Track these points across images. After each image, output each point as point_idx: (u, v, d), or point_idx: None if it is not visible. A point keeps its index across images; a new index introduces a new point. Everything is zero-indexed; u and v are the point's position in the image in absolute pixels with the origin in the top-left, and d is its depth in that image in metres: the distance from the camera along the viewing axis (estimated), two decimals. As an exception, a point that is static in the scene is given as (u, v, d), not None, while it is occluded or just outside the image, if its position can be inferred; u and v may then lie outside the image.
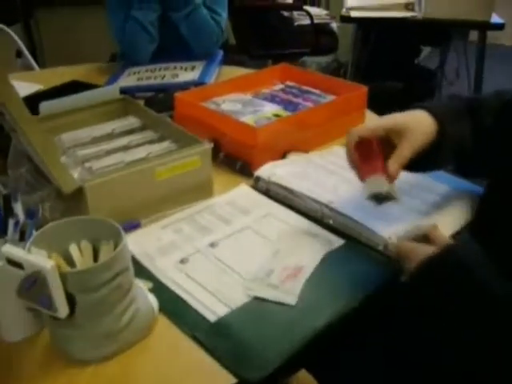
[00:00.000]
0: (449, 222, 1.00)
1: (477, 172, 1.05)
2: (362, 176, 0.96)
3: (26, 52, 2.93)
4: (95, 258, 0.78)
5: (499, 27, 2.86)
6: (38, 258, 0.67)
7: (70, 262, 0.77)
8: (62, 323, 0.72)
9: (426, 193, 1.09)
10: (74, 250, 0.78)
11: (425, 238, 0.91)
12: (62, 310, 0.68)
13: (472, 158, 1.00)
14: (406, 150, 0.93)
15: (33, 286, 0.67)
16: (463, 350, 0.81)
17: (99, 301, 0.71)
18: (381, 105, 1.52)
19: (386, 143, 0.96)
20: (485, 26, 2.91)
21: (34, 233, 0.78)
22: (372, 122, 0.98)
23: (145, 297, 0.81)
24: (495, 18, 2.87)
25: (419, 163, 0.96)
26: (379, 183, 0.93)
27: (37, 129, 1.01)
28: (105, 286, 0.70)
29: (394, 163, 0.92)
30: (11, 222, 0.77)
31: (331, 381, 1.07)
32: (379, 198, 0.95)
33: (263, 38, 3.67)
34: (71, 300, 0.70)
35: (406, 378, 0.97)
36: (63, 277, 0.68)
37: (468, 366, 0.82)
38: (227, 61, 1.93)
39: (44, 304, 0.68)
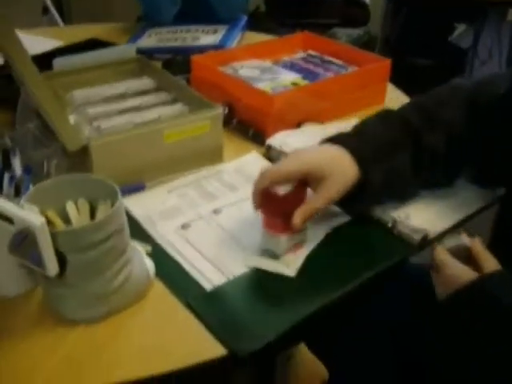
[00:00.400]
0: (461, 207, 0.97)
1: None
2: (262, 225, 0.86)
3: (52, 8, 2.91)
4: (92, 216, 0.76)
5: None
6: (29, 214, 0.65)
7: (67, 219, 0.75)
8: (54, 282, 0.70)
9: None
10: (70, 207, 0.76)
11: (466, 252, 0.84)
12: (52, 268, 0.67)
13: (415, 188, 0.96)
14: (318, 202, 0.85)
15: (23, 242, 0.65)
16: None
17: (91, 261, 0.69)
18: (408, 81, 1.48)
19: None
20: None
21: (31, 188, 0.76)
22: (289, 164, 0.86)
23: (141, 260, 0.79)
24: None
25: (345, 204, 0.91)
26: (276, 243, 0.84)
27: (43, 85, 0.99)
28: (97, 246, 0.69)
29: (299, 216, 0.83)
30: (6, 176, 0.75)
31: (332, 357, 1.05)
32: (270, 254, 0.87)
33: (293, 7, 3.61)
34: (62, 259, 0.68)
35: (412, 355, 0.95)
36: (54, 235, 0.66)
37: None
38: (256, 28, 1.88)
39: (34, 261, 0.67)
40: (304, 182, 0.87)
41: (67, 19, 3.69)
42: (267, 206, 0.85)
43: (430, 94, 0.99)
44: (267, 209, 0.85)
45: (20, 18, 3.33)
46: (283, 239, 0.84)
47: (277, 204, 0.85)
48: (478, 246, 0.83)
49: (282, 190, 0.85)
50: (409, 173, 0.91)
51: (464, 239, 0.85)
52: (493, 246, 0.87)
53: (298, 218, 0.83)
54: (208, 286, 0.80)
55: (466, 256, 0.83)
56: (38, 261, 0.66)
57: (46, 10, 3.17)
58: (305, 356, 1.06)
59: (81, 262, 0.69)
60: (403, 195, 0.95)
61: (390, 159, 0.89)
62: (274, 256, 0.85)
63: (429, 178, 0.95)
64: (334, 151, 0.88)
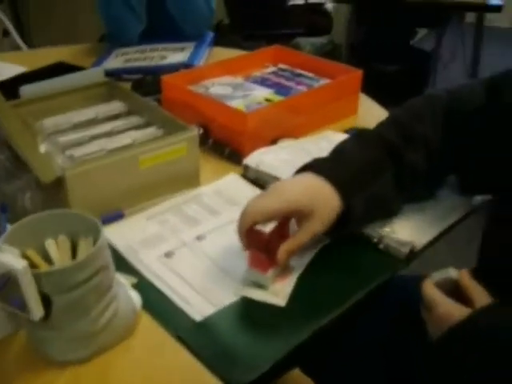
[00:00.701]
0: (442, 219, 0.96)
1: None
2: (248, 262, 0.84)
3: (13, 31, 2.86)
4: (74, 253, 0.74)
5: (496, 9, 2.81)
6: (9, 258, 0.62)
7: (48, 257, 0.72)
8: (38, 325, 0.67)
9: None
10: (51, 245, 0.73)
11: (454, 285, 0.81)
12: (36, 311, 0.64)
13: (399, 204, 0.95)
14: (303, 238, 0.84)
15: (4, 286, 0.63)
16: None
17: (76, 301, 0.66)
18: (375, 87, 1.48)
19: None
20: (482, 8, 2.87)
21: (8, 227, 0.74)
22: (271, 204, 0.84)
23: (127, 294, 0.77)
24: (492, 0, 2.82)
25: (329, 232, 0.88)
26: (261, 279, 0.83)
27: (12, 115, 0.96)
28: (81, 285, 0.66)
29: (284, 252, 0.82)
30: (-19, 217, 0.72)
31: (327, 380, 1.03)
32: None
33: (257, 18, 3.61)
34: (47, 301, 0.65)
35: (402, 369, 0.94)
36: (37, 277, 0.63)
37: None
38: (221, 41, 1.87)
39: (17, 305, 0.64)
40: (286, 219, 0.86)
41: (28, 41, 3.63)
42: (252, 244, 0.84)
43: (405, 106, 0.97)
44: (252, 246, 0.84)
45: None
46: (269, 275, 0.82)
47: (261, 241, 0.83)
48: (466, 278, 0.80)
49: (266, 227, 0.83)
50: (391, 193, 0.90)
51: (451, 272, 0.82)
52: (481, 264, 0.87)
53: (283, 254, 0.82)
54: (197, 317, 0.78)
55: (453, 289, 0.80)
56: (22, 305, 0.63)
57: (6, 33, 3.12)
58: (297, 380, 1.04)
59: (66, 302, 0.66)
60: (387, 215, 0.94)
61: (371, 183, 0.88)
62: (261, 287, 0.83)
63: (411, 194, 0.95)
64: (314, 183, 0.86)
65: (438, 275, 0.82)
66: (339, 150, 0.92)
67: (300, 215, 0.85)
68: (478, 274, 0.80)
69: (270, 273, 0.83)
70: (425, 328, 0.80)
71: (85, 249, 0.72)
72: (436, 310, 0.77)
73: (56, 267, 0.70)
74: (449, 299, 0.77)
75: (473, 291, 0.78)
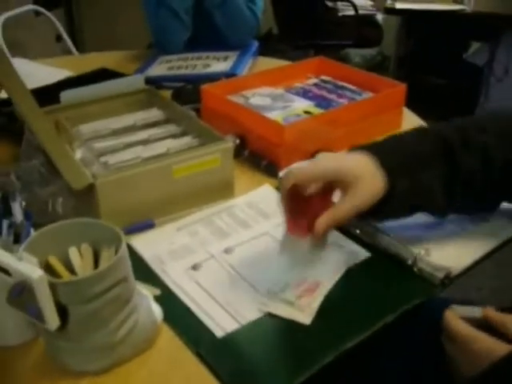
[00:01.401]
0: (484, 240, 0.92)
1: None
2: (286, 228, 0.83)
3: (66, 36, 2.91)
4: (96, 262, 0.73)
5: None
6: (26, 266, 0.61)
7: (70, 265, 0.72)
8: (55, 334, 0.66)
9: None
10: (73, 253, 0.72)
11: (483, 323, 0.76)
12: (52, 321, 0.63)
13: (447, 210, 0.88)
14: (345, 210, 0.79)
15: (21, 294, 0.62)
16: None
17: (93, 313, 0.65)
18: (422, 101, 1.44)
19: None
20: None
21: (32, 234, 0.73)
22: (317, 166, 0.82)
23: (148, 306, 0.75)
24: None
25: (366, 215, 0.83)
26: (298, 246, 0.81)
27: (45, 122, 0.96)
28: (100, 296, 0.65)
29: (322, 222, 0.78)
30: (5, 223, 0.72)
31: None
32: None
33: (306, 28, 3.60)
34: (63, 311, 0.64)
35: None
36: (53, 287, 0.62)
37: None
38: (268, 50, 1.86)
39: (33, 314, 0.63)
40: (330, 188, 0.83)
41: (80, 46, 3.70)
42: (292, 206, 0.81)
43: (468, 118, 0.92)
44: (292, 209, 0.82)
45: (34, 45, 3.35)
46: (304, 244, 0.80)
47: (302, 204, 0.81)
48: (494, 313, 0.75)
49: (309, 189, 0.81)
50: (438, 189, 0.84)
51: (476, 313, 0.77)
52: None
53: (322, 223, 0.79)
54: (219, 333, 0.76)
55: (477, 326, 0.76)
56: (37, 314, 0.62)
57: (59, 38, 3.19)
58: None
59: (83, 313, 0.65)
60: (431, 208, 0.88)
61: (419, 172, 0.83)
62: (297, 257, 0.83)
63: (463, 203, 0.88)
64: (363, 159, 0.82)
65: (462, 310, 0.78)
66: (395, 137, 0.89)
67: (344, 185, 0.80)
68: None
69: (306, 243, 0.80)
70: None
71: (107, 258, 0.71)
72: (473, 345, 0.73)
73: (73, 278, 0.68)
74: (487, 335, 0.73)
75: (507, 323, 0.73)
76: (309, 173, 0.81)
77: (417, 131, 0.90)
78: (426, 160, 0.84)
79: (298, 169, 0.81)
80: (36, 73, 1.68)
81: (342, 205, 0.80)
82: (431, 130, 0.89)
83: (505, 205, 0.97)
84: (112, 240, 0.71)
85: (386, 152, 0.84)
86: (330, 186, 0.82)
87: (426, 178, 0.83)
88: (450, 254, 0.88)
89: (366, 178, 0.80)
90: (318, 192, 0.82)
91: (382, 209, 0.82)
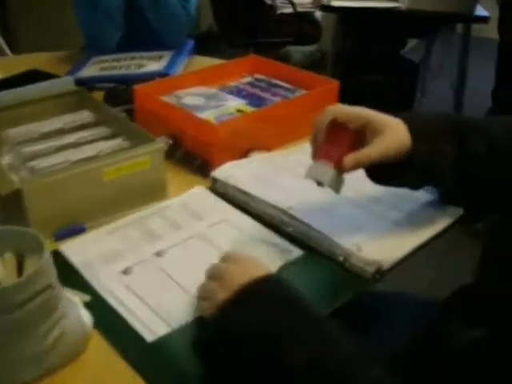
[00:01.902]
0: (416, 233, 0.93)
1: (460, 202, 0.97)
2: (315, 156, 0.89)
3: (-1, 36, 2.83)
4: (21, 271, 0.71)
5: (483, 20, 2.79)
6: None
7: (-6, 275, 0.70)
8: (-22, 345, 0.64)
9: (400, 199, 1.00)
10: (-4, 262, 0.70)
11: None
12: (-27, 333, 0.61)
13: (453, 185, 0.91)
14: (373, 152, 0.84)
15: None
16: None
17: (18, 322, 0.64)
18: (360, 98, 1.45)
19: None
20: (469, 19, 2.85)
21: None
22: (355, 108, 0.88)
23: (77, 313, 0.74)
24: (480, 11, 2.80)
25: (382, 175, 0.89)
26: (324, 172, 0.86)
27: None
28: (23, 306, 0.63)
29: (352, 158, 0.84)
30: None
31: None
32: (319, 183, 0.88)
33: (245, 27, 3.59)
34: (-15, 321, 0.62)
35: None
36: (-27, 297, 0.60)
37: None
38: (208, 49, 1.85)
39: (-46, 326, 0.61)
40: (362, 132, 0.87)
41: (14, 47, 3.61)
42: (331, 136, 0.87)
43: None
44: (329, 140, 0.87)
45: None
46: (332, 172, 0.85)
47: (342, 135, 0.87)
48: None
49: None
50: (450, 164, 0.88)
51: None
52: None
53: (351, 159, 0.84)
54: (150, 337, 0.75)
55: None
56: (-42, 326, 0.61)
57: (-9, 39, 3.10)
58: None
59: (7, 323, 0.63)
60: (441, 180, 0.92)
61: (436, 143, 0.88)
62: (320, 184, 0.86)
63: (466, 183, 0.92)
64: (395, 119, 0.88)
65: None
66: (415, 112, 0.94)
67: (375, 130, 0.85)
68: (473, 293, 0.78)
69: (334, 171, 0.85)
70: None
71: (31, 267, 0.69)
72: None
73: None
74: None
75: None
76: (349, 111, 0.87)
77: (437, 114, 0.94)
78: (441, 134, 0.89)
79: (336, 107, 0.88)
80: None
81: (370, 148, 0.85)
82: (446, 116, 0.93)
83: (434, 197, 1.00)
84: (36, 247, 0.69)
85: (410, 118, 0.89)
86: (362, 130, 0.87)
87: (441, 149, 0.88)
88: (381, 248, 0.89)
89: (396, 130, 0.86)
90: (352, 131, 0.87)
91: (398, 170, 0.87)
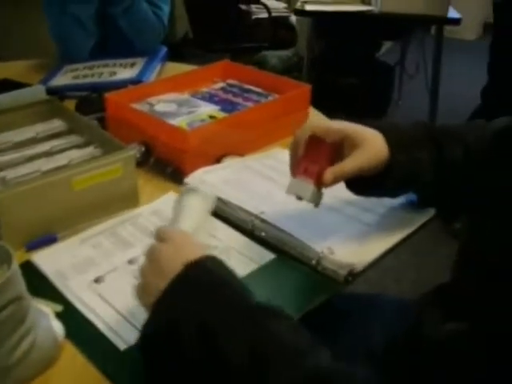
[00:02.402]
0: (387, 235, 0.94)
1: (438, 205, 0.99)
2: (295, 172, 0.89)
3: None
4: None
5: (456, 22, 2.83)
6: None
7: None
8: None
9: (373, 202, 1.00)
10: (-36, 274, 0.70)
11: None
12: None
13: (432, 190, 0.93)
14: (351, 166, 0.85)
15: None
16: None
17: (-15, 335, 0.63)
18: (335, 102, 1.46)
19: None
20: (441, 21, 2.88)
21: None
22: (333, 123, 0.89)
23: (48, 325, 0.73)
24: (452, 13, 2.84)
25: (361, 186, 0.90)
26: (304, 188, 0.87)
27: None
28: (-9, 318, 0.63)
29: (330, 173, 0.85)
30: None
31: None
32: (299, 198, 0.89)
33: (221, 32, 3.60)
34: (-47, 334, 0.62)
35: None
36: None
37: None
38: (184, 55, 1.85)
39: None
40: (340, 146, 0.88)
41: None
42: (310, 152, 0.88)
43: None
44: (308, 155, 0.88)
45: None
46: (313, 188, 0.86)
47: (320, 149, 0.87)
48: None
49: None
50: (429, 171, 0.90)
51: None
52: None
53: (330, 174, 0.85)
54: (122, 345, 0.74)
55: None
56: None
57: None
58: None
59: (-26, 335, 0.63)
60: (420, 186, 0.93)
61: (413, 152, 0.89)
62: (300, 199, 0.88)
63: (446, 186, 0.93)
64: (372, 130, 0.89)
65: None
66: (390, 122, 0.97)
67: (353, 144, 0.86)
68: (449, 290, 0.78)
69: (314, 187, 0.86)
70: None
71: (0, 278, 0.68)
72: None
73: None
74: None
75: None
76: (326, 125, 0.88)
77: (413, 123, 0.96)
78: (418, 142, 0.90)
79: (313, 123, 0.90)
80: None
81: (348, 162, 0.86)
82: (422, 123, 0.95)
83: (406, 199, 1.00)
84: (5, 258, 0.68)
85: (387, 129, 0.90)
86: (340, 143, 0.88)
87: (418, 157, 0.89)
88: (353, 251, 0.90)
89: (373, 142, 0.87)
90: (330, 146, 0.87)
91: (378, 181, 0.88)
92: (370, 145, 0.86)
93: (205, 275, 0.68)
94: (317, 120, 0.90)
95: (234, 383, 0.60)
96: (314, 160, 0.87)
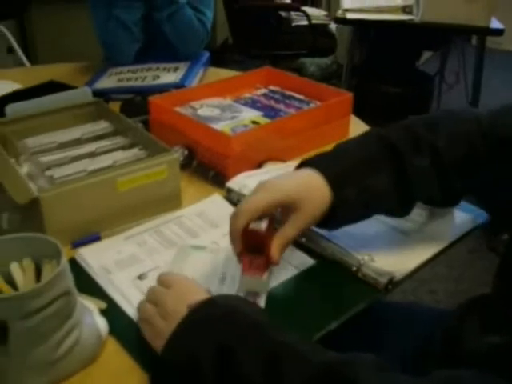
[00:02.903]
0: (427, 245, 0.94)
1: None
2: (243, 269, 0.83)
3: (18, 48, 2.88)
4: (39, 277, 0.72)
5: (498, 33, 2.80)
6: (-38, 283, 0.61)
7: (12, 281, 0.71)
8: (-5, 350, 0.66)
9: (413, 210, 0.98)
10: (15, 268, 0.72)
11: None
12: (-10, 338, 0.63)
13: (398, 207, 0.89)
14: (292, 231, 0.82)
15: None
16: None
17: (34, 328, 0.65)
18: (374, 110, 1.47)
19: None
20: (484, 32, 2.85)
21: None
22: (259, 200, 0.82)
23: (92, 321, 0.75)
24: (495, 23, 2.80)
25: (326, 224, 0.86)
26: (258, 284, 0.82)
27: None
28: (39, 312, 0.64)
29: (278, 250, 0.81)
30: None
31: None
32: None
33: (261, 39, 3.62)
34: (3, 327, 0.64)
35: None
36: (-9, 302, 0.62)
37: None
38: (225, 60, 1.87)
39: (-29, 331, 0.63)
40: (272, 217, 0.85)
41: (33, 58, 3.66)
42: (249, 246, 0.82)
43: (421, 116, 0.93)
44: (249, 249, 0.83)
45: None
46: (266, 278, 0.82)
47: (258, 241, 0.82)
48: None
49: (260, 225, 0.82)
50: (390, 191, 0.86)
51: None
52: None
53: (277, 252, 0.81)
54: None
55: None
56: (-24, 331, 0.62)
57: (11, 50, 3.15)
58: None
59: (23, 329, 0.64)
60: (387, 211, 0.90)
61: (365, 178, 0.85)
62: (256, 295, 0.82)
63: (416, 200, 0.90)
64: (305, 174, 0.85)
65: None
66: (339, 146, 0.90)
67: (288, 208, 0.82)
68: (489, 302, 0.77)
69: (266, 275, 0.82)
70: None
71: (49, 273, 0.70)
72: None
73: (12, 293, 0.68)
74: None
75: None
76: (258, 208, 0.81)
77: (363, 137, 0.92)
78: (372, 165, 0.86)
79: (243, 209, 0.82)
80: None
81: (289, 229, 0.82)
82: (377, 135, 0.90)
83: (447, 208, 1.00)
84: (53, 254, 0.70)
85: (331, 164, 0.86)
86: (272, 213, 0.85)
87: (373, 183, 0.85)
88: (393, 259, 0.90)
89: (308, 197, 0.82)
90: (267, 225, 0.82)
91: (333, 219, 0.84)
92: (307, 204, 0.81)
93: (211, 308, 0.70)
94: (246, 206, 0.82)
95: None
96: (257, 249, 0.83)
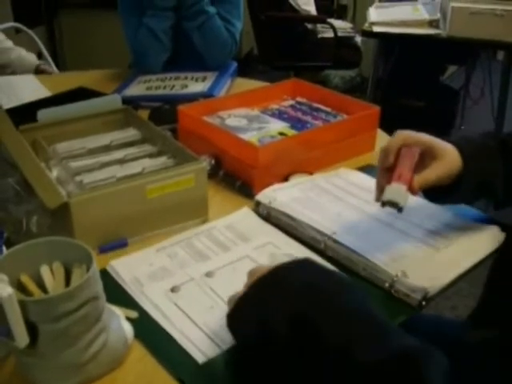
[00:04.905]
0: (458, 260, 0.93)
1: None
2: (390, 179, 0.92)
3: (47, 54, 2.90)
4: (68, 280, 0.73)
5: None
6: (-4, 284, 0.62)
7: (42, 283, 0.72)
8: (25, 352, 0.66)
9: (443, 226, 1.01)
10: (45, 272, 0.73)
11: None
12: (21, 339, 0.63)
13: (503, 197, 0.98)
14: (433, 175, 0.92)
15: (-9, 312, 0.62)
16: None
17: (63, 331, 0.66)
18: (398, 124, 1.46)
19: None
20: (511, 47, 2.84)
21: (5, 251, 0.74)
22: (420, 134, 0.95)
23: (119, 326, 0.76)
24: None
25: (437, 194, 0.96)
26: (400, 194, 0.89)
27: (19, 141, 0.97)
28: (69, 315, 0.65)
29: (417, 183, 0.91)
30: (-22, 241, 0.73)
31: None
32: (391, 205, 0.90)
33: (286, 50, 3.64)
34: (33, 329, 0.65)
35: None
36: (23, 305, 0.63)
37: None
38: (250, 70, 1.88)
39: (3, 332, 0.63)
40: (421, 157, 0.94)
41: (61, 64, 3.70)
42: (405, 160, 0.92)
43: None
44: (401, 161, 0.92)
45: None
46: (407, 194, 0.90)
47: (409, 158, 0.92)
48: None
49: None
50: (500, 181, 0.96)
51: None
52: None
53: (417, 183, 0.91)
54: (200, 358, 0.75)
55: None
56: (7, 332, 0.63)
57: (40, 56, 3.19)
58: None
59: (52, 331, 0.66)
60: (494, 195, 0.99)
61: (485, 162, 0.96)
62: (393, 206, 0.89)
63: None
64: (448, 144, 0.95)
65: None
66: (464, 135, 1.02)
67: (434, 155, 0.93)
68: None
69: (408, 192, 0.90)
70: None
71: (78, 277, 0.71)
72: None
73: (43, 296, 0.69)
74: None
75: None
76: (415, 136, 0.94)
77: (482, 134, 1.02)
78: (489, 153, 0.97)
79: (404, 133, 0.95)
80: (15, 91, 1.69)
81: (431, 172, 0.93)
82: (491, 134, 1.02)
83: (479, 224, 1.00)
84: (83, 259, 0.71)
85: (464, 142, 0.97)
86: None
87: (490, 167, 0.96)
88: (426, 274, 0.88)
89: (450, 155, 0.93)
90: (417, 156, 0.93)
91: (453, 190, 0.95)
92: (449, 156, 0.93)
93: (290, 275, 0.73)
94: (406, 131, 0.95)
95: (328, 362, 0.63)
96: (407, 167, 0.92)
